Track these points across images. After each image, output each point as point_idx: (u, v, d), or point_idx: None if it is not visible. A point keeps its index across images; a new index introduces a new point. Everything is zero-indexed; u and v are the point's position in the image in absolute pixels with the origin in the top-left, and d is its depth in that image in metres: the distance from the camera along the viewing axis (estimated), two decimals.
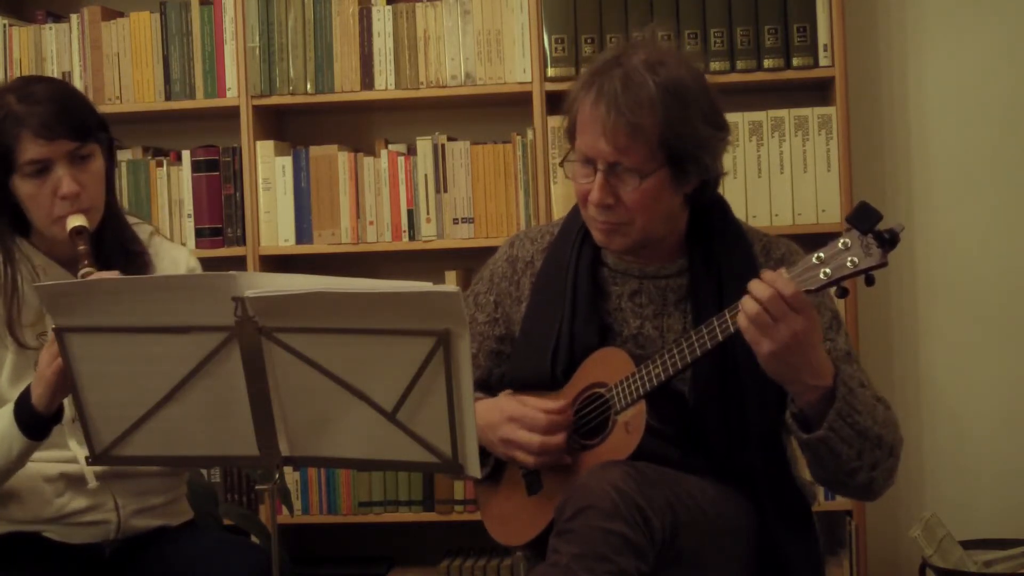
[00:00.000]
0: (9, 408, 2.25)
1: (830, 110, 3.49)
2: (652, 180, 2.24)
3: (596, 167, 2.26)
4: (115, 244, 2.44)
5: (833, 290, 2.11)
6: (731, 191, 3.45)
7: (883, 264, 2.03)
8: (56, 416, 2.24)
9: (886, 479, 2.24)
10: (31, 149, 2.32)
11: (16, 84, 2.43)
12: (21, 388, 2.29)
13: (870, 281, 2.07)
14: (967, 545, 3.42)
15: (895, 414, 2.27)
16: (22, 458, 2.27)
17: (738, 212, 2.47)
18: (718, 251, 2.34)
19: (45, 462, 2.36)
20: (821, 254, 2.07)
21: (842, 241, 2.05)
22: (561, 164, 2.40)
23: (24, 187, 2.35)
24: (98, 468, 2.37)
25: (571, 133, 2.32)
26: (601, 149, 2.24)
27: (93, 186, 2.37)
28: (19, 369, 2.37)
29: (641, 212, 2.27)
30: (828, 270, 2.06)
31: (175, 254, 2.55)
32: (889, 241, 2.02)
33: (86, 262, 2.31)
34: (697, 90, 2.26)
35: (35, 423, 2.23)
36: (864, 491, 2.25)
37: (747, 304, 2.07)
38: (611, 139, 2.23)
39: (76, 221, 2.34)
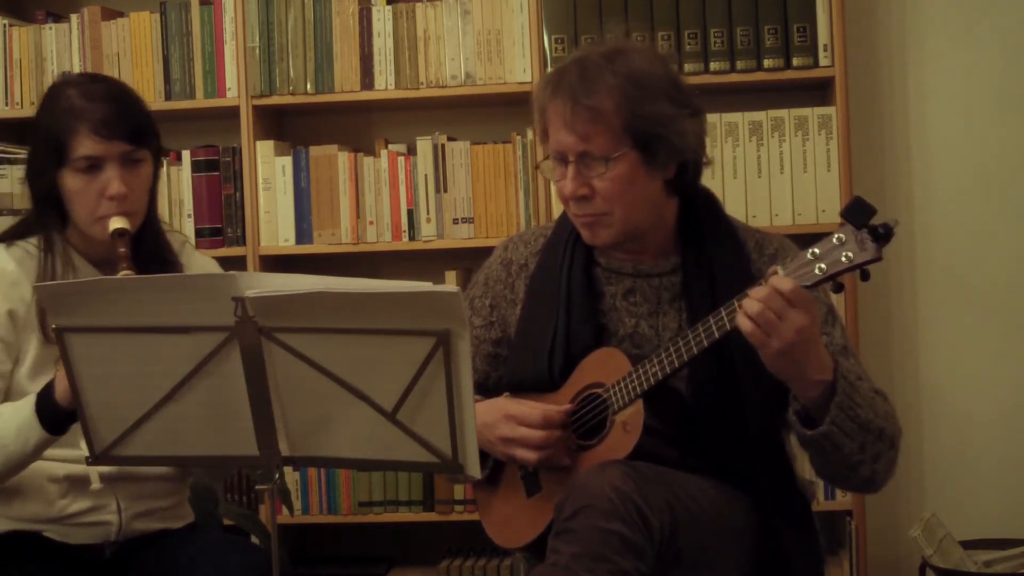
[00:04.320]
0: (31, 399, 2.26)
1: (830, 110, 3.49)
2: (621, 165, 2.25)
3: (567, 160, 2.27)
4: (151, 251, 2.45)
5: (828, 285, 2.11)
6: (731, 191, 3.45)
7: (877, 259, 2.03)
8: (76, 413, 2.24)
9: (887, 471, 2.25)
10: (86, 145, 2.33)
11: (78, 79, 2.45)
12: (41, 382, 2.29)
13: (865, 276, 2.06)
14: (967, 545, 3.41)
15: (893, 405, 2.27)
16: (38, 450, 2.27)
17: (738, 212, 2.48)
18: (710, 248, 2.34)
19: (53, 461, 2.36)
20: (816, 250, 2.07)
21: (836, 236, 2.05)
22: (536, 167, 2.42)
23: (73, 182, 2.36)
24: (103, 470, 2.37)
25: (544, 135, 2.34)
26: (566, 141, 2.26)
27: (139, 191, 2.39)
28: (41, 363, 2.37)
29: (617, 200, 2.27)
30: (823, 265, 2.06)
31: (205, 265, 2.57)
32: (883, 236, 2.02)
33: (124, 264, 2.32)
34: (657, 72, 2.28)
35: (56, 417, 2.23)
36: (867, 484, 2.26)
37: (749, 305, 2.07)
38: (572, 128, 2.25)
39: (118, 223, 2.35)
